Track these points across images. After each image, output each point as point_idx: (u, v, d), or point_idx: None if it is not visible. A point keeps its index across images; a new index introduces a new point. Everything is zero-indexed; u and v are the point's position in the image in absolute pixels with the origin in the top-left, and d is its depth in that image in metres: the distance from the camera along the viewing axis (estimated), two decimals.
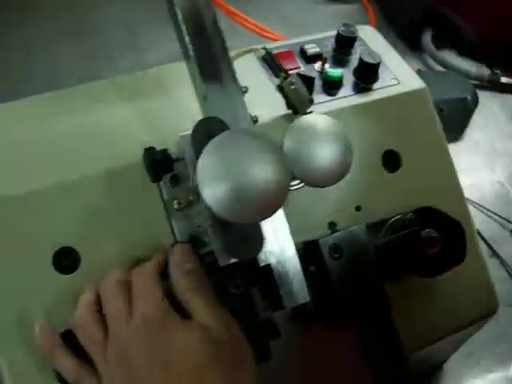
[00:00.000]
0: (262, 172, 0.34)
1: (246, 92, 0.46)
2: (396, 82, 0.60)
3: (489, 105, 1.04)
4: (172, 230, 0.48)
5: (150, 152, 0.43)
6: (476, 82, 1.05)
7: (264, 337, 0.43)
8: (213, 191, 0.34)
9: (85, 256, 0.46)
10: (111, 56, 1.04)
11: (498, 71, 1.06)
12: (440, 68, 1.08)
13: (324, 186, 0.44)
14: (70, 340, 0.43)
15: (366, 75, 0.58)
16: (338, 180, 0.44)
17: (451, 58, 1.07)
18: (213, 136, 0.40)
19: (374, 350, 0.49)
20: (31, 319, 0.44)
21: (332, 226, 0.53)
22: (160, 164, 0.44)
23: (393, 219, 0.53)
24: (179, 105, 0.54)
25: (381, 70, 0.59)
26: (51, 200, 0.46)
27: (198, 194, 0.42)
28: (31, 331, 0.44)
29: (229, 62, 0.45)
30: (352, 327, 0.48)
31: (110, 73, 1.01)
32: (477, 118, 0.99)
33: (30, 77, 0.99)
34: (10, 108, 0.51)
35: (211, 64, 0.44)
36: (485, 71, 1.06)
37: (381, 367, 0.48)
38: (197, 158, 0.40)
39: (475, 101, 0.97)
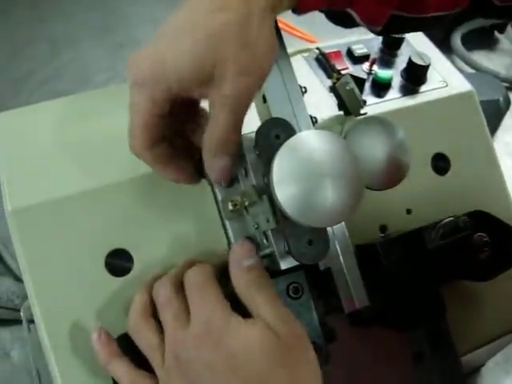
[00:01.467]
0: (339, 176, 0.34)
1: (305, 92, 0.45)
2: (444, 85, 0.59)
3: None
4: (225, 232, 0.48)
5: None
6: (506, 84, 1.04)
7: (323, 341, 0.43)
8: (287, 192, 0.33)
9: (137, 258, 0.46)
10: None
11: None
12: (470, 69, 1.07)
13: (385, 189, 0.44)
14: (127, 343, 0.42)
15: (415, 77, 0.57)
16: (399, 182, 0.44)
17: (481, 59, 1.06)
18: (278, 137, 0.40)
19: (428, 352, 0.48)
20: (85, 323, 0.44)
21: (383, 229, 0.52)
22: None
23: (444, 222, 0.52)
24: None
25: (428, 72, 0.58)
26: (104, 200, 0.46)
27: (259, 194, 0.41)
28: (84, 335, 0.43)
29: (288, 61, 0.45)
30: (407, 330, 0.48)
31: None
32: (508, 121, 0.99)
33: (57, 75, 0.98)
34: (52, 106, 0.51)
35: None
36: None
37: (435, 369, 0.48)
38: (262, 158, 0.40)
39: (507, 103, 0.96)
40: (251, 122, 0.42)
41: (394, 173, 0.44)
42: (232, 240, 0.47)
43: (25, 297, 0.69)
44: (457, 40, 1.09)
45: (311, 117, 0.45)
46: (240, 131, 0.40)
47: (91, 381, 0.44)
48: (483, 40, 1.17)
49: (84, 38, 1.03)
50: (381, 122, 0.44)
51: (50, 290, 0.44)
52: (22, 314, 0.58)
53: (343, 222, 0.45)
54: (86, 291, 0.45)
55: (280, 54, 0.44)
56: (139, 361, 0.41)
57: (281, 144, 0.39)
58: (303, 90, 0.45)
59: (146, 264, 0.46)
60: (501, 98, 0.95)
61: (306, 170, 0.33)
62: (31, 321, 0.59)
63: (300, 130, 0.43)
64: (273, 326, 0.37)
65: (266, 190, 0.41)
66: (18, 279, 0.71)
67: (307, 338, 0.38)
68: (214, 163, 0.40)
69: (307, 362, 0.38)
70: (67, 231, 0.45)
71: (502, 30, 1.17)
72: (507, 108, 0.97)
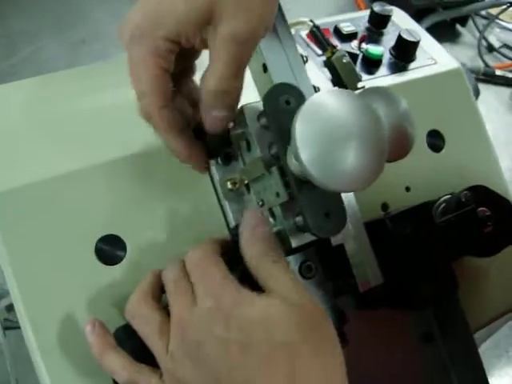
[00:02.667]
0: (365, 136, 0.31)
1: (306, 62, 0.43)
2: (433, 62, 0.58)
3: (486, 96, 1.04)
4: (224, 214, 0.45)
5: None
6: (473, 75, 1.05)
7: (338, 322, 0.40)
8: (312, 154, 0.31)
9: (131, 244, 0.42)
10: (100, 49, 0.99)
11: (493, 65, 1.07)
12: None
13: (392, 161, 0.41)
14: (125, 336, 0.38)
15: (405, 53, 0.56)
16: (406, 154, 0.42)
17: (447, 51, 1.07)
18: (288, 102, 0.37)
19: (439, 331, 0.46)
20: (74, 317, 0.40)
21: (385, 207, 0.50)
22: (219, 138, 0.41)
23: (445, 197, 0.51)
24: None
25: (417, 50, 0.57)
26: (92, 181, 0.42)
27: (267, 167, 0.38)
28: (74, 331, 0.40)
29: (288, 29, 0.42)
30: (418, 309, 0.46)
31: None
32: None
33: (14, 71, 0.93)
34: (32, 84, 0.46)
35: (272, 31, 0.41)
36: (480, 64, 1.06)
37: (446, 349, 0.46)
38: (271, 125, 0.37)
39: (476, 93, 0.97)
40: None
41: (400, 144, 0.42)
42: (232, 222, 0.44)
43: None
44: None
45: (314, 86, 0.42)
46: (241, 80, 0.37)
47: (83, 379, 0.39)
48: (446, 34, 1.18)
49: (43, 33, 0.98)
50: (384, 92, 0.42)
51: (34, 282, 0.40)
52: None
53: (354, 199, 0.43)
54: (75, 282, 0.41)
55: (279, 23, 0.42)
56: (139, 356, 0.37)
57: (292, 110, 0.36)
58: (304, 59, 0.43)
59: (140, 251, 0.42)
60: None
61: (332, 129, 0.31)
62: (6, 327, 0.55)
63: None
64: (290, 299, 0.34)
65: (273, 162, 0.38)
66: None
67: (326, 314, 0.36)
68: (212, 118, 0.37)
69: (330, 337, 0.35)
70: (52, 216, 0.41)
71: (463, 24, 1.18)
72: (476, 97, 0.98)
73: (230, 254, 0.38)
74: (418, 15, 1.12)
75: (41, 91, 0.46)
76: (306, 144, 0.31)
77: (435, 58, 0.58)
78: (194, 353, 0.34)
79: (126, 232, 0.42)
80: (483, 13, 1.23)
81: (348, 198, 0.42)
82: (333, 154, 0.31)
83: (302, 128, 0.31)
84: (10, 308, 0.59)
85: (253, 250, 0.36)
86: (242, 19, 0.34)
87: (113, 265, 0.42)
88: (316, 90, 0.42)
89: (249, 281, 0.36)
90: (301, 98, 0.37)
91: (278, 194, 0.38)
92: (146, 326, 0.37)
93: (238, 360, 0.32)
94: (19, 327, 0.62)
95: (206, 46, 0.36)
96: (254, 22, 0.35)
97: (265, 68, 0.41)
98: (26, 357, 0.61)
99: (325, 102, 0.32)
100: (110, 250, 0.42)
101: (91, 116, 0.44)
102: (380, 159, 0.32)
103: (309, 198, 0.36)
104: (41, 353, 0.39)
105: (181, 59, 0.38)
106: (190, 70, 0.43)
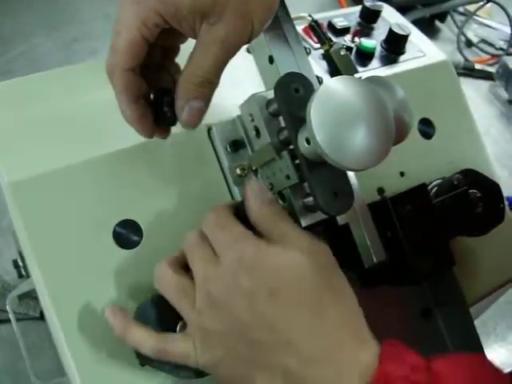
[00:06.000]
0: (374, 117, 0.34)
1: (309, 53, 0.45)
2: (422, 55, 0.61)
3: (466, 90, 1.07)
4: (232, 197, 0.47)
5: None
6: None
7: None
8: (327, 134, 0.33)
9: (146, 229, 0.44)
10: (92, 47, 1.00)
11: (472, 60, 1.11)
12: None
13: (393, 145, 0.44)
14: (146, 313, 0.40)
15: (396, 46, 0.59)
16: (403, 139, 0.45)
17: None
18: (297, 90, 0.40)
19: (437, 306, 0.49)
20: (94, 299, 0.42)
21: (381, 191, 0.53)
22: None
23: (437, 181, 0.54)
24: None
25: (406, 44, 0.60)
26: (106, 169, 0.44)
27: (278, 151, 0.41)
28: (95, 312, 0.42)
29: (292, 23, 0.45)
30: (416, 284, 0.49)
31: None
32: None
33: (8, 70, 0.94)
34: (45, 78, 0.48)
35: (275, 23, 0.44)
36: (460, 59, 1.11)
37: (445, 323, 0.49)
38: (283, 111, 0.40)
39: None
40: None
41: (397, 130, 0.44)
42: None
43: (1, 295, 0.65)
44: None
45: (317, 76, 0.45)
46: (220, 76, 0.38)
47: (105, 358, 0.41)
48: (425, 30, 1.21)
49: (35, 33, 0.98)
50: (382, 81, 0.44)
51: (55, 267, 0.42)
52: (8, 307, 0.54)
53: (356, 182, 0.45)
54: (94, 265, 0.43)
55: (282, 15, 0.44)
56: (162, 329, 0.40)
57: (301, 97, 0.39)
58: (307, 50, 0.45)
59: (154, 236, 0.44)
60: None
61: (343, 112, 0.34)
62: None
63: None
64: (306, 248, 0.37)
65: (283, 147, 0.41)
66: None
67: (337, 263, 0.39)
68: (189, 105, 0.38)
69: (347, 286, 0.38)
70: (71, 203, 0.43)
71: (442, 20, 1.22)
72: None
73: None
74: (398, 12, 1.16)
75: (54, 86, 0.48)
76: (321, 126, 0.33)
77: (424, 50, 0.62)
78: (220, 306, 0.36)
79: (142, 217, 0.44)
80: (461, 9, 1.27)
81: (351, 181, 0.45)
82: (345, 134, 0.34)
83: (316, 112, 0.34)
84: (18, 301, 0.61)
85: (263, 213, 0.39)
86: (238, 26, 0.36)
87: (130, 249, 0.44)
88: (319, 79, 0.45)
89: None
90: (309, 87, 0.39)
91: (288, 177, 0.40)
92: (173, 285, 0.39)
93: (264, 306, 0.35)
94: (25, 318, 0.64)
95: (192, 35, 0.37)
96: (249, 30, 0.37)
97: (271, 60, 0.44)
98: (32, 344, 0.63)
99: (336, 87, 0.34)
100: (126, 234, 0.44)
101: (103, 108, 0.46)
102: (388, 139, 0.35)
103: (319, 179, 0.38)
104: (64, 335, 0.41)
105: (167, 36, 0.39)
106: (174, 49, 0.43)
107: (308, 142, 0.37)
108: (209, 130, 0.47)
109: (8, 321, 0.62)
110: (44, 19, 1.00)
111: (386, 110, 0.35)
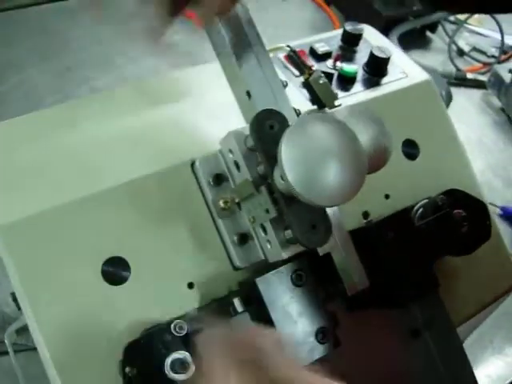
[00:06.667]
0: (344, 154, 0.35)
1: (286, 86, 0.46)
2: (404, 76, 0.62)
3: (458, 100, 1.08)
4: (218, 231, 0.48)
5: None
6: (445, 80, 1.10)
7: (331, 325, 0.43)
8: (297, 173, 0.34)
9: (134, 265, 0.45)
10: (86, 75, 1.01)
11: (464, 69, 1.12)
12: None
13: (371, 173, 0.45)
14: (134, 352, 0.41)
15: (377, 69, 0.60)
16: (383, 165, 0.46)
17: (418, 58, 1.11)
18: (272, 127, 0.41)
19: (425, 327, 0.50)
20: (86, 334, 0.43)
21: (366, 215, 0.54)
22: None
23: (422, 202, 0.55)
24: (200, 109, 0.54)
25: (388, 65, 0.61)
26: (94, 208, 0.45)
27: (256, 186, 0.42)
28: (87, 347, 0.42)
29: (268, 56, 0.46)
30: (402, 307, 0.49)
31: (85, 92, 0.99)
32: (449, 113, 1.04)
33: (3, 100, 0.95)
34: (36, 118, 0.50)
35: (252, 59, 0.45)
36: (452, 68, 1.11)
37: (433, 344, 0.50)
38: (258, 148, 0.41)
39: (449, 96, 1.02)
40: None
41: (377, 157, 0.45)
42: (226, 238, 0.47)
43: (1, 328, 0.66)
44: (394, 42, 1.14)
45: (294, 109, 0.46)
46: None
47: None
48: (416, 41, 1.23)
49: (28, 63, 1.00)
50: (360, 111, 0.45)
51: (47, 305, 0.43)
52: (6, 341, 0.55)
53: (337, 209, 0.46)
54: (85, 302, 0.43)
55: (259, 50, 0.46)
56: (148, 369, 0.40)
57: (276, 134, 0.40)
58: (284, 83, 0.46)
59: (143, 271, 0.45)
60: (443, 92, 1.00)
61: (313, 151, 0.35)
62: (15, 351, 0.57)
63: None
64: None
65: (262, 181, 0.42)
66: None
67: None
68: None
69: None
70: (60, 243, 0.44)
71: (433, 30, 1.23)
72: (450, 101, 1.02)
73: None
74: (388, 25, 1.17)
75: (42, 125, 0.49)
76: (291, 165, 0.34)
77: (406, 71, 0.62)
78: None
79: (130, 254, 0.45)
80: (452, 18, 1.28)
81: (332, 208, 0.46)
82: (316, 173, 0.34)
83: (286, 151, 0.35)
84: (18, 332, 0.62)
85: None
86: None
87: (118, 285, 0.45)
88: (297, 112, 0.46)
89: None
90: (284, 123, 0.40)
91: (267, 211, 0.41)
92: None
93: None
94: (27, 349, 0.65)
95: None
96: None
97: (249, 95, 0.45)
98: (35, 376, 0.64)
99: (305, 126, 0.35)
100: (115, 271, 0.45)
101: (88, 147, 0.47)
102: (360, 175, 0.36)
103: (296, 213, 0.39)
104: (56, 370, 0.42)
105: None
106: None
107: (283, 178, 0.38)
108: (192, 163, 0.48)
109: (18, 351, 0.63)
110: (35, 49, 1.02)
111: (356, 146, 0.36)
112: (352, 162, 0.35)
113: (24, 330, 0.67)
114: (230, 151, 0.44)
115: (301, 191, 0.34)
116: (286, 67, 0.58)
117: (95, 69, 1.02)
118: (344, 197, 0.35)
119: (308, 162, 0.34)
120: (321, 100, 0.53)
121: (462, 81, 1.12)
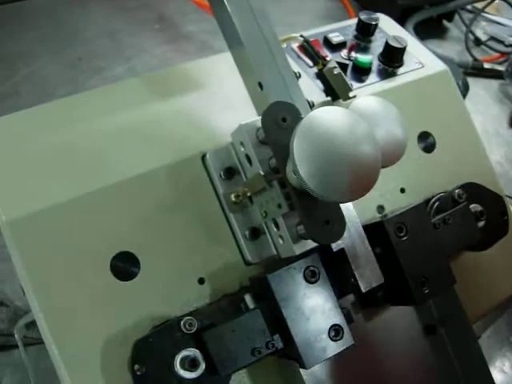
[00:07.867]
0: (361, 148, 0.34)
1: (299, 77, 0.45)
2: (420, 66, 0.60)
3: (475, 90, 1.06)
4: (230, 226, 0.47)
5: None
6: (461, 70, 1.07)
7: (345, 322, 0.42)
8: (310, 169, 0.33)
9: (143, 260, 0.44)
10: (97, 66, 1.01)
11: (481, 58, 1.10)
12: None
13: (386, 166, 0.44)
14: (144, 348, 0.41)
15: (393, 59, 0.59)
16: (398, 159, 0.44)
17: (434, 48, 1.09)
18: (285, 120, 0.39)
19: (440, 323, 0.49)
20: (95, 331, 0.42)
21: (380, 209, 0.53)
22: None
23: (438, 196, 0.54)
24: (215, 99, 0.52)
25: (404, 55, 0.60)
26: (103, 202, 0.44)
27: (268, 181, 0.41)
28: (96, 344, 0.42)
29: (280, 47, 0.45)
30: (417, 304, 0.48)
31: (97, 83, 0.99)
32: (466, 103, 1.01)
33: (15, 92, 0.95)
34: (46, 110, 0.49)
35: (265, 50, 0.44)
36: (468, 58, 1.09)
37: (448, 340, 0.48)
38: (270, 141, 0.39)
39: (466, 87, 1.00)
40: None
41: (392, 151, 0.44)
42: (238, 233, 0.46)
43: (11, 320, 0.66)
44: (410, 31, 1.12)
45: (308, 101, 0.45)
46: None
47: None
48: (433, 30, 1.20)
49: (40, 54, 1.00)
50: (375, 102, 0.44)
51: (55, 300, 0.42)
52: (16, 336, 0.55)
53: (351, 204, 0.45)
54: (93, 297, 0.43)
55: (271, 40, 0.44)
56: (159, 366, 0.40)
57: (288, 126, 0.39)
58: (297, 75, 0.45)
59: (152, 266, 0.45)
60: (460, 82, 0.98)
61: (326, 145, 0.33)
62: (26, 344, 0.57)
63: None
64: None
65: (274, 175, 0.41)
66: (2, 304, 0.68)
67: None
68: None
69: None
70: (69, 238, 0.43)
71: (450, 19, 1.21)
72: (466, 92, 1.00)
73: None
74: (404, 14, 1.14)
75: (52, 118, 0.48)
76: (304, 160, 0.33)
77: (422, 61, 0.61)
78: None
79: (139, 248, 0.44)
80: (469, 7, 1.25)
81: (346, 203, 0.44)
82: (329, 167, 0.33)
83: (299, 145, 0.33)
84: (29, 326, 0.62)
85: None
86: None
87: (127, 280, 0.44)
88: (310, 104, 0.45)
89: None
90: (297, 115, 0.39)
91: (279, 206, 0.40)
92: None
93: None
94: (38, 343, 0.65)
95: None
96: None
97: (261, 86, 0.44)
98: (46, 369, 0.64)
99: (318, 119, 0.34)
100: (124, 266, 0.44)
101: (98, 141, 0.47)
102: (374, 169, 0.35)
103: (308, 208, 0.38)
104: (65, 366, 0.42)
105: None
106: None
107: (295, 172, 0.36)
108: (203, 157, 0.47)
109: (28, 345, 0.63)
110: (46, 40, 1.01)
111: (370, 139, 0.35)
112: (366, 156, 0.34)
113: (34, 324, 0.67)
114: (242, 144, 0.43)
115: (314, 187, 0.33)
116: (300, 57, 0.57)
117: (107, 59, 1.01)
118: (358, 192, 0.34)
119: (321, 156, 0.33)
120: (335, 91, 0.52)
121: (479, 71, 1.09)
